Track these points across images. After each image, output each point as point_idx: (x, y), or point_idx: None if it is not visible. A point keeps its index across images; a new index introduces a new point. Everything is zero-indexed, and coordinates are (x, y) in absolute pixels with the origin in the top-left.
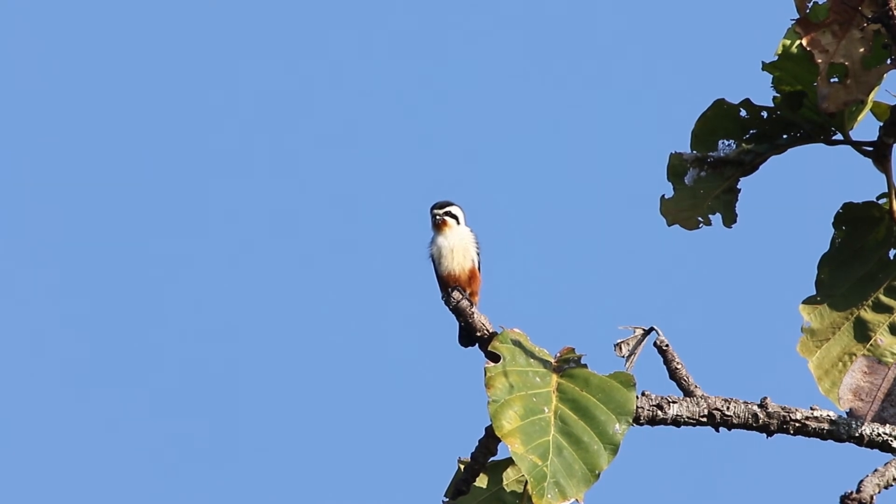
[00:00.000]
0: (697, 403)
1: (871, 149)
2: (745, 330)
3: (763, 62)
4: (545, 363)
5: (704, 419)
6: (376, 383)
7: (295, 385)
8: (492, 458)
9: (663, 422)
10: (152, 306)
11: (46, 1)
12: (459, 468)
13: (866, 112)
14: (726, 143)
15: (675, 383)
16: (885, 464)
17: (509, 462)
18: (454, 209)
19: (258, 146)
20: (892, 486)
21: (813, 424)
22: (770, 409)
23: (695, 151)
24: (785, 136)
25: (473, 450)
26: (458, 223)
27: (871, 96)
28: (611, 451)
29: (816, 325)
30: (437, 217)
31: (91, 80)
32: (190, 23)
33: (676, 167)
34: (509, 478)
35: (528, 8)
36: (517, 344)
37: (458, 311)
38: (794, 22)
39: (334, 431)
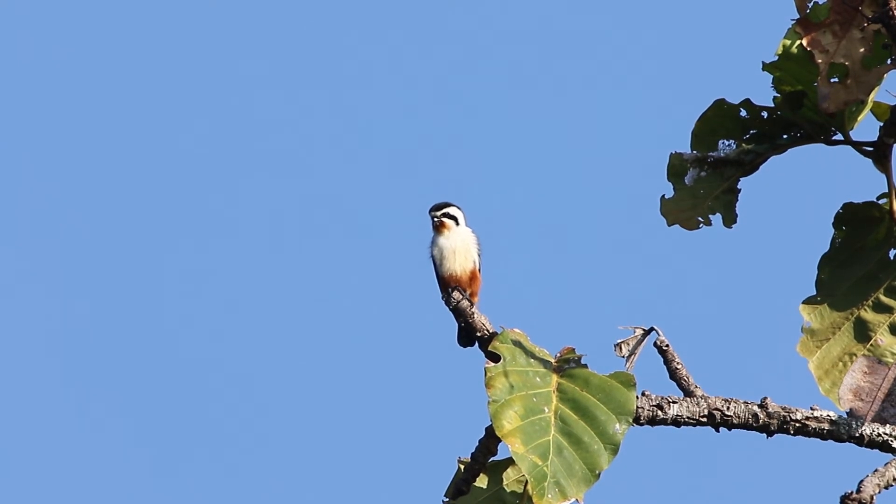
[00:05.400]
0: (697, 403)
1: (871, 149)
2: (745, 330)
3: (763, 62)
4: (545, 363)
5: (704, 419)
6: (376, 383)
7: (295, 385)
8: (492, 458)
9: (663, 422)
10: (152, 307)
11: (47, 1)
12: (459, 468)
13: (866, 112)
14: (726, 143)
15: (675, 383)
16: (886, 464)
17: (509, 462)
18: (452, 210)
19: (259, 146)
20: (892, 486)
21: (813, 424)
22: (770, 409)
23: (695, 151)
24: (785, 136)
25: (473, 450)
26: (458, 224)
27: (872, 96)
28: (611, 451)
29: (817, 325)
30: (435, 219)
31: (92, 79)
32: (194, 23)
33: (676, 167)
34: (509, 478)
35: (529, 8)
36: (517, 344)
37: (458, 312)
38: (794, 22)
39: (335, 431)
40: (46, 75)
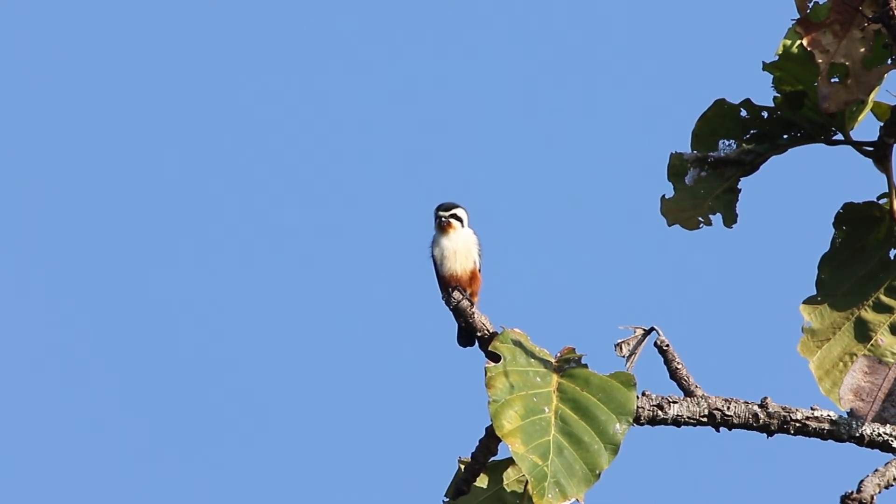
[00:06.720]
0: (698, 403)
1: (871, 149)
2: (745, 330)
3: (764, 62)
4: (546, 363)
5: (705, 419)
6: (376, 383)
7: (295, 385)
8: (492, 458)
9: (664, 422)
10: (151, 306)
11: (48, 1)
12: (460, 468)
13: (867, 112)
14: (727, 142)
15: (675, 383)
16: (886, 464)
17: (510, 462)
18: (459, 211)
19: (259, 146)
20: (892, 486)
21: (813, 424)
22: (770, 409)
23: (695, 151)
24: (785, 136)
25: (474, 449)
26: (463, 225)
27: (872, 96)
28: (611, 451)
29: (817, 324)
30: (443, 219)
31: (92, 80)
32: (191, 22)
33: (677, 167)
34: (510, 477)
35: (530, 8)
36: (518, 344)
37: (458, 311)
38: (794, 22)
39: (335, 431)
40: (47, 77)
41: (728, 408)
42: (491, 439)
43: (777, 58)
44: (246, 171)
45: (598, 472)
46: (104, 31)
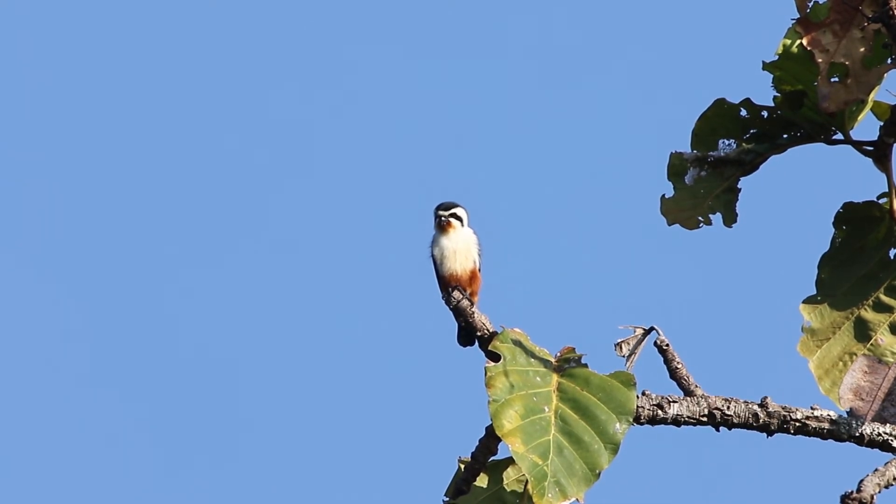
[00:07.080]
0: (698, 403)
1: (871, 148)
2: (745, 330)
3: (763, 62)
4: (546, 363)
5: (705, 419)
6: (377, 383)
7: (295, 385)
8: (492, 458)
9: (664, 421)
10: (152, 309)
11: (48, 1)
12: (460, 468)
13: (867, 112)
14: (727, 142)
15: (675, 383)
16: (886, 463)
17: (510, 461)
18: (459, 210)
19: (258, 146)
20: (892, 485)
21: (813, 424)
22: (770, 409)
23: (695, 151)
24: (785, 136)
25: (474, 449)
26: (462, 225)
27: (872, 96)
28: (611, 451)
29: (817, 324)
30: (443, 218)
31: (94, 82)
32: (190, 22)
33: (677, 167)
34: (510, 477)
35: (528, 7)
36: (518, 343)
37: (458, 311)
38: (794, 21)
39: (335, 431)
40: (47, 77)
41: (728, 407)
42: (491, 439)
43: (777, 57)
44: (245, 171)
45: (598, 471)
46: (103, 31)
